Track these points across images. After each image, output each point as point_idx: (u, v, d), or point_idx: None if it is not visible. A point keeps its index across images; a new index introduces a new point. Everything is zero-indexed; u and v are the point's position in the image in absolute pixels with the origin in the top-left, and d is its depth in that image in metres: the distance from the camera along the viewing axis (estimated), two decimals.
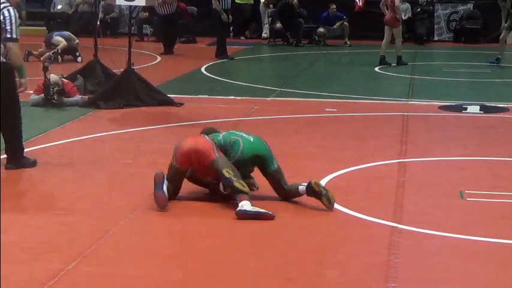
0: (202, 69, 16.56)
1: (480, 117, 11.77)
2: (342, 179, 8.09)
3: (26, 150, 8.47)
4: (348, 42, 22.11)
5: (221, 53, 18.44)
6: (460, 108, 12.25)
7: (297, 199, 7.20)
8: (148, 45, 20.92)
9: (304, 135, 10.24)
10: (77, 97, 12.03)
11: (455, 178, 8.22)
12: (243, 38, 23.43)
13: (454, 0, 23.54)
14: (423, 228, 6.52)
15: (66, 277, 5.43)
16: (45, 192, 7.79)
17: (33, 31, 21.81)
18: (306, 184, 7.02)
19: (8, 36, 7.99)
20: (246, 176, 7.16)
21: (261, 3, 23.41)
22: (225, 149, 7.12)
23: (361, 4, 22.87)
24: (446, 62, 19.07)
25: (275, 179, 7.20)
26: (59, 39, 16.95)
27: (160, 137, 10.02)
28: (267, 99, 13.01)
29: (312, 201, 7.21)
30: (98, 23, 13.93)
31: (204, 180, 7.29)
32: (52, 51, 16.43)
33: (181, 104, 12.20)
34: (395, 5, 17.16)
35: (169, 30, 19.60)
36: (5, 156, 8.37)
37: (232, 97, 13.14)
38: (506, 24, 17.32)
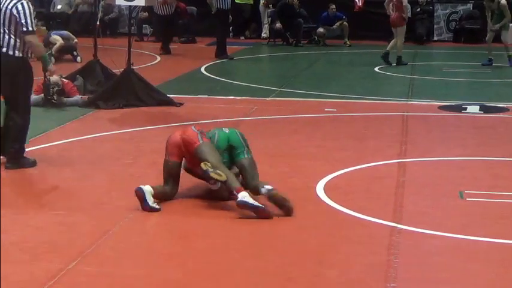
0: (202, 69, 16.56)
1: (480, 117, 11.77)
2: (342, 179, 8.09)
3: (25, 150, 8.47)
4: (348, 42, 22.12)
5: (221, 53, 18.44)
6: (459, 108, 12.25)
7: (297, 199, 7.22)
8: (148, 45, 20.92)
9: (304, 135, 10.24)
10: (77, 97, 12.04)
11: (455, 178, 8.22)
12: (242, 38, 23.44)
13: (453, 0, 23.55)
14: (423, 228, 6.52)
15: (66, 277, 5.43)
16: (45, 192, 7.79)
17: None
18: (269, 189, 6.91)
19: (24, 29, 8.05)
20: (230, 168, 7.24)
21: (261, 3, 23.42)
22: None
23: (360, 4, 22.86)
24: (446, 62, 19.07)
25: (242, 168, 7.19)
26: (56, 38, 16.96)
27: (160, 137, 9.96)
28: (267, 99, 13.01)
29: (312, 201, 7.23)
30: (98, 23, 13.94)
31: (198, 172, 7.34)
32: (47, 52, 16.42)
33: (181, 104, 12.20)
34: (404, 4, 17.14)
35: (168, 31, 19.64)
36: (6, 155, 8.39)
37: (232, 97, 13.14)
38: (495, 26, 17.23)
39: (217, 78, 15.48)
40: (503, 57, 17.65)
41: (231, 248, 6.10)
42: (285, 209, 6.79)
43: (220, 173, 6.84)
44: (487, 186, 7.87)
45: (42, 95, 11.68)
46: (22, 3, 8.07)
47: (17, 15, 8.03)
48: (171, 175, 7.14)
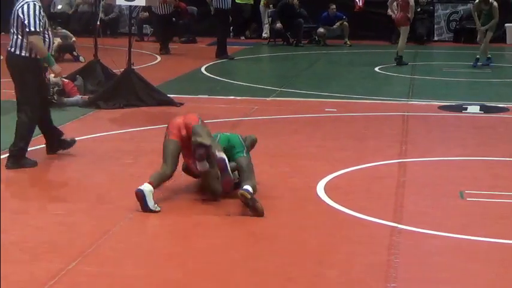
0: (203, 69, 16.56)
1: (480, 117, 11.77)
2: (342, 179, 8.09)
3: (27, 150, 8.48)
4: (348, 42, 22.11)
5: (221, 53, 18.43)
6: (460, 108, 12.24)
7: (298, 199, 7.23)
8: (149, 45, 20.91)
9: (304, 135, 10.24)
10: (77, 97, 12.03)
11: (455, 178, 8.22)
12: (243, 38, 23.43)
13: (454, 0, 23.53)
14: (423, 228, 6.52)
15: (66, 277, 5.43)
16: (45, 192, 7.79)
17: None
18: (244, 188, 6.87)
19: (27, 30, 8.17)
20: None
21: (261, 3, 23.41)
22: None
23: (361, 4, 22.86)
24: (446, 62, 19.06)
25: (240, 166, 7.24)
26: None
27: (161, 137, 9.89)
28: (267, 99, 13.01)
29: (312, 201, 7.23)
30: (98, 23, 13.94)
31: (196, 170, 7.38)
32: None
33: (182, 104, 12.20)
34: (410, 4, 17.12)
35: (166, 30, 19.64)
36: (6, 155, 8.39)
37: (233, 97, 13.14)
38: (482, 28, 17.16)
39: (218, 78, 15.48)
40: (504, 57, 17.65)
41: (231, 248, 6.10)
42: (252, 208, 6.75)
43: (205, 138, 6.99)
44: (487, 186, 7.86)
45: None
46: (28, 4, 8.19)
47: (21, 15, 8.17)
48: (169, 154, 7.19)
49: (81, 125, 10.77)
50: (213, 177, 7.12)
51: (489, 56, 17.31)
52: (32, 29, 8.14)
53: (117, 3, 13.43)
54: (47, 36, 8.36)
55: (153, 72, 15.26)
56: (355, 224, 6.74)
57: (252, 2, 23.60)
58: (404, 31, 17.32)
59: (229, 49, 18.74)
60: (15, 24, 8.27)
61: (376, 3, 22.32)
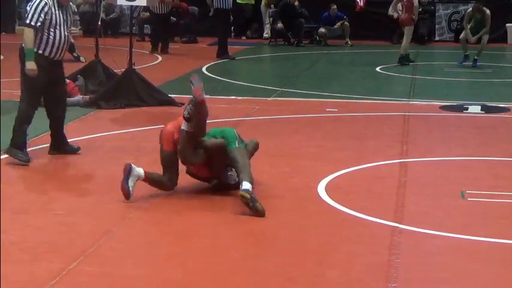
0: (204, 69, 16.55)
1: (481, 117, 11.76)
2: (343, 179, 8.08)
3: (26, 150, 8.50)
4: (349, 42, 22.11)
5: (222, 53, 18.44)
6: (461, 108, 12.24)
7: (298, 199, 7.22)
8: (149, 45, 20.89)
9: (305, 135, 10.23)
10: (78, 97, 12.03)
11: (456, 178, 8.21)
12: (244, 38, 23.44)
13: (455, 0, 23.53)
14: (424, 228, 6.51)
15: (66, 277, 5.43)
16: (45, 192, 7.78)
17: None
18: (244, 189, 6.83)
19: (23, 21, 8.45)
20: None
21: (262, 3, 23.41)
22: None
23: (362, 4, 22.87)
24: (448, 62, 19.04)
25: (233, 160, 7.18)
26: None
27: None
28: (268, 99, 13.00)
29: (313, 201, 7.22)
30: (99, 23, 13.94)
31: (197, 173, 7.36)
32: None
33: (182, 104, 12.14)
34: (414, 5, 17.11)
35: (165, 30, 19.65)
36: (6, 155, 8.39)
37: (234, 97, 13.14)
38: (473, 39, 17.12)
39: (219, 78, 15.47)
40: (505, 57, 17.65)
41: (231, 248, 6.10)
42: (252, 209, 6.72)
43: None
44: (488, 186, 7.86)
45: None
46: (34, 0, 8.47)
47: (27, 8, 8.45)
48: (167, 165, 7.23)
49: (82, 125, 10.77)
50: (191, 153, 7.18)
51: (467, 54, 17.29)
52: (27, 21, 8.38)
53: (118, 3, 13.44)
54: (52, 34, 8.40)
55: (154, 72, 15.26)
56: (355, 224, 6.73)
57: (253, 2, 23.61)
58: (408, 31, 17.32)
59: (230, 49, 18.75)
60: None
61: (377, 3, 22.34)
